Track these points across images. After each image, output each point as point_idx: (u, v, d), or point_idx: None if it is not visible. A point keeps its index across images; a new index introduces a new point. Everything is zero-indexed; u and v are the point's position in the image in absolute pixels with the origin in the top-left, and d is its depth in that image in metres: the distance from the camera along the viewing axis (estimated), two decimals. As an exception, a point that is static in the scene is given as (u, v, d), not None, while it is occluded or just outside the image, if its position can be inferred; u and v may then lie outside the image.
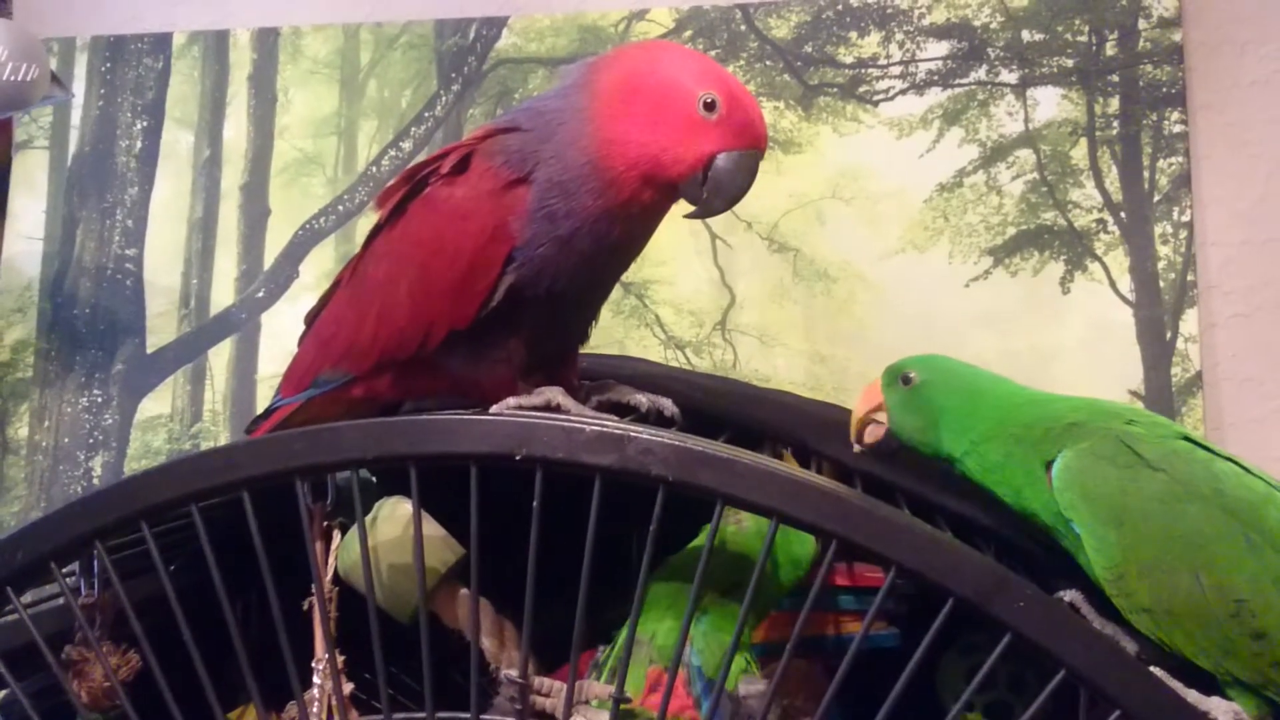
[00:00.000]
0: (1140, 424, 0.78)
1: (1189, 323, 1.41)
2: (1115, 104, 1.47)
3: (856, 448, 0.91)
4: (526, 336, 0.82)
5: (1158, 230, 1.44)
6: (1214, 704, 0.70)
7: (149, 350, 1.63)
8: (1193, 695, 0.69)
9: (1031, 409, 0.83)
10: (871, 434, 0.90)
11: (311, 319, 0.95)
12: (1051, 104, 1.49)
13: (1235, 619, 0.69)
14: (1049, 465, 0.78)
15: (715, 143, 0.74)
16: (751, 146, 0.75)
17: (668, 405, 0.85)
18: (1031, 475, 0.79)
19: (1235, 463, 0.76)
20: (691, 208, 0.79)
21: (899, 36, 1.53)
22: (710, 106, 0.73)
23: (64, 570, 0.78)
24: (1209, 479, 0.74)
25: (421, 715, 0.74)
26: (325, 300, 0.93)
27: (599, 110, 0.76)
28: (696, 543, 0.89)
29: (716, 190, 0.76)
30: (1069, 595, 0.79)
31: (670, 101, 0.74)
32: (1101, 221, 1.46)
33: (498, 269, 0.78)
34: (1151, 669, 0.66)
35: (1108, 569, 0.73)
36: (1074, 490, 0.75)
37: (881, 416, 0.89)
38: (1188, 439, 0.78)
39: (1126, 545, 0.72)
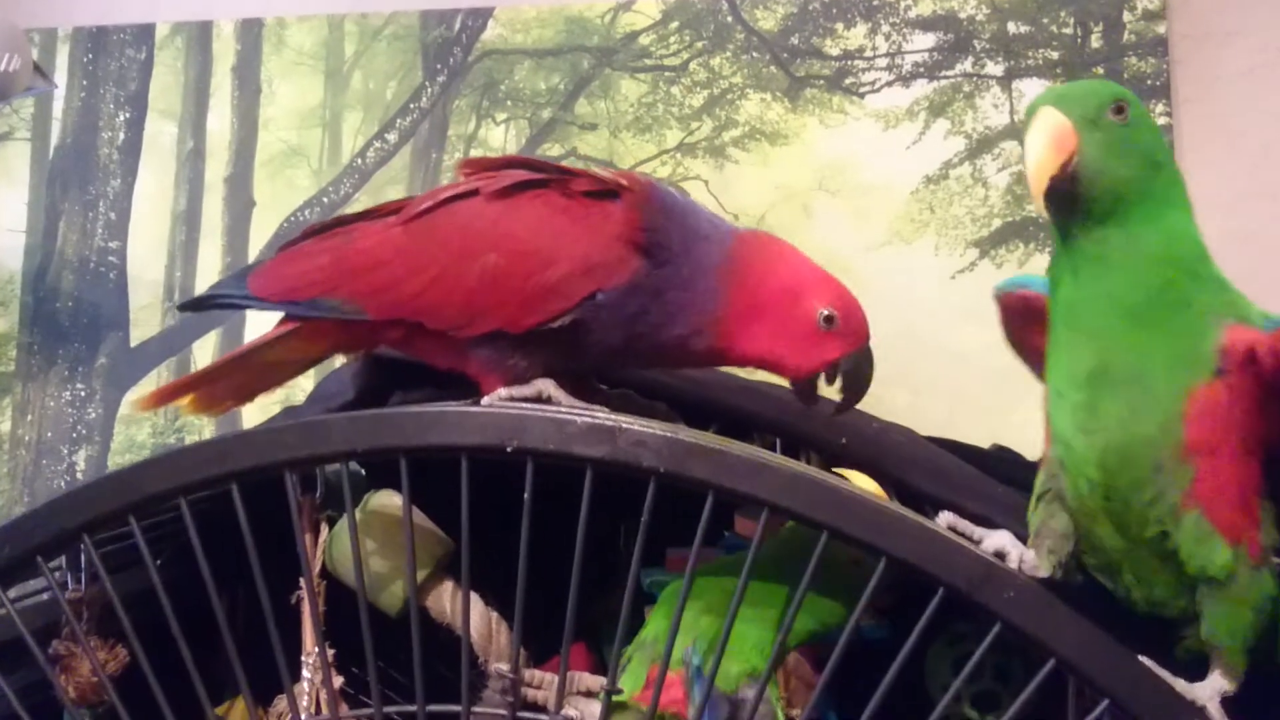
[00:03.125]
0: None
1: (1173, 314, 1.42)
2: (1100, 96, 1.48)
3: (1039, 199, 0.69)
4: (557, 358, 0.81)
5: (1142, 222, 1.45)
6: (1200, 691, 0.71)
7: (133, 343, 1.62)
8: (1180, 684, 0.69)
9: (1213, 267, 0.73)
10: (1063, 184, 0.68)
11: (315, 231, 0.89)
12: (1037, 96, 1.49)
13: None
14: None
15: (836, 350, 0.82)
16: (865, 343, 0.83)
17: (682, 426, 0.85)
18: (1184, 315, 0.69)
19: None
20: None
21: (885, 28, 1.53)
22: (829, 321, 0.81)
23: (51, 565, 0.78)
24: None
25: (411, 708, 0.74)
26: (342, 222, 0.88)
27: (730, 306, 0.81)
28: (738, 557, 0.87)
29: (851, 388, 0.84)
30: (942, 516, 0.76)
31: (794, 318, 0.81)
32: (1086, 213, 1.46)
33: (577, 300, 0.78)
34: (1140, 658, 0.66)
35: None
36: None
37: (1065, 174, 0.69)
38: None
39: None
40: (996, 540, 0.72)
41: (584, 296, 0.78)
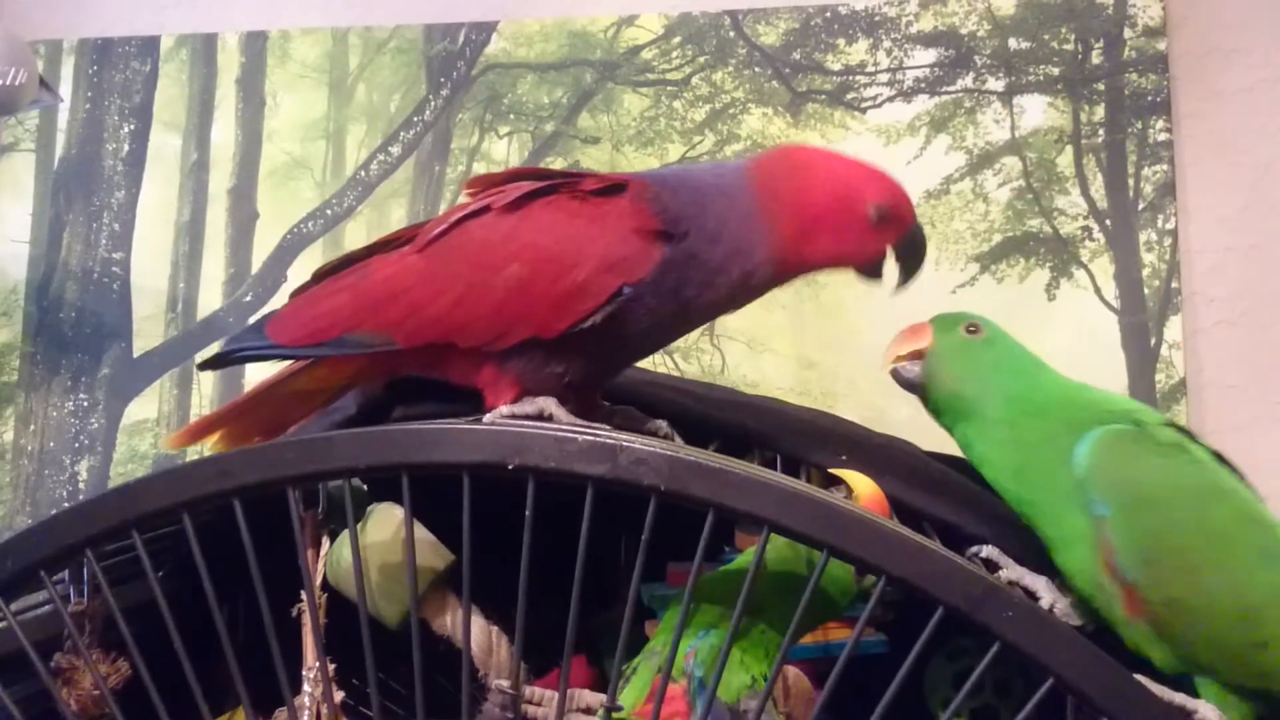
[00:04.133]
0: (1171, 427, 0.79)
1: (1173, 329, 1.42)
2: (1101, 112, 1.49)
3: (888, 366, 0.88)
4: (591, 358, 0.83)
5: (1142, 237, 1.45)
6: (1202, 704, 0.71)
7: (135, 354, 1.63)
8: (1180, 697, 0.70)
9: (1077, 392, 0.83)
10: (908, 369, 0.86)
11: (326, 273, 0.90)
12: (1038, 112, 1.50)
13: (1243, 623, 0.70)
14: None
15: (892, 236, 0.85)
16: (915, 222, 0.86)
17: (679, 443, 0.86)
18: (1061, 455, 0.77)
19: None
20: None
21: (887, 44, 1.54)
22: (882, 215, 0.83)
23: (53, 578, 0.78)
24: (1234, 485, 0.75)
25: (412, 722, 0.74)
26: (351, 261, 0.89)
27: (777, 227, 0.83)
28: (737, 564, 0.88)
29: (909, 264, 0.87)
30: (986, 550, 0.82)
31: (847, 217, 0.83)
32: (1087, 229, 1.47)
33: (605, 297, 0.79)
34: (1137, 676, 0.67)
35: (1134, 550, 0.73)
36: (1110, 467, 0.75)
37: (916, 360, 0.86)
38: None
39: (1158, 530, 0.73)
40: (1032, 584, 0.78)
41: (611, 292, 0.79)
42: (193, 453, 1.55)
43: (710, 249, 0.82)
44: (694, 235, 0.81)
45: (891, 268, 0.88)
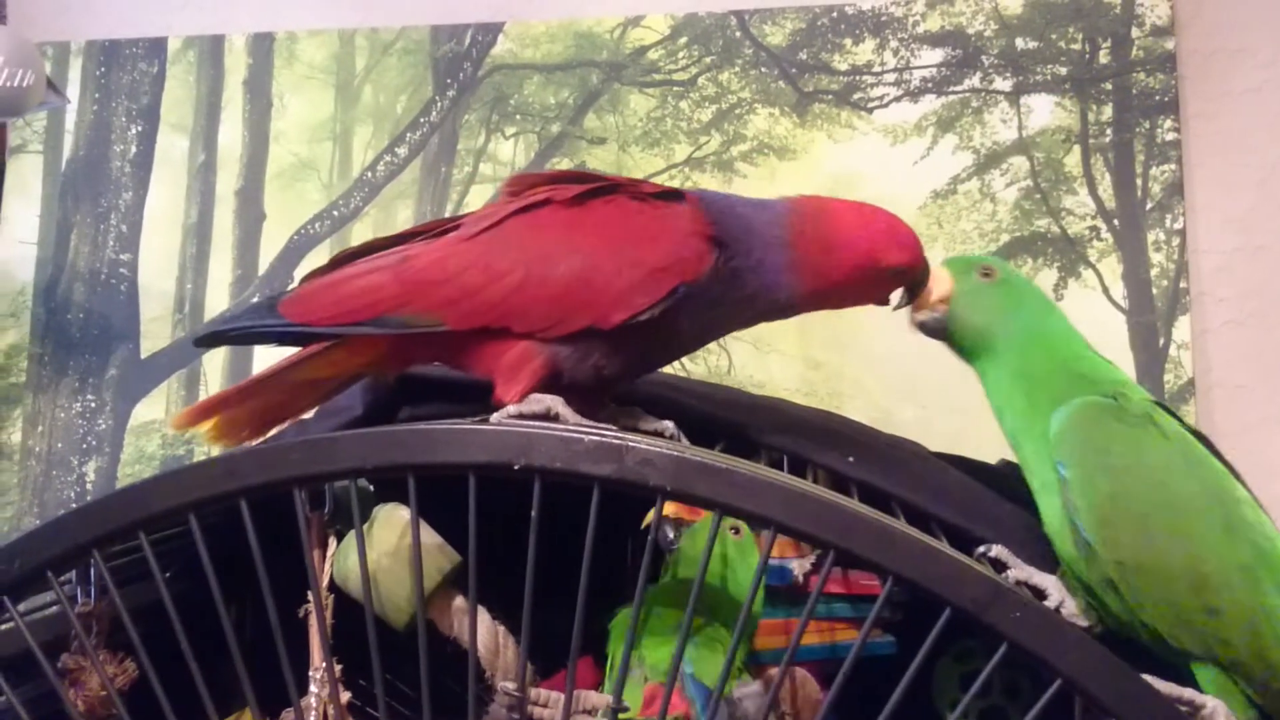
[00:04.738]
0: (1150, 401, 0.82)
1: (1181, 330, 1.42)
2: (1108, 111, 1.48)
3: (916, 318, 0.92)
4: (632, 355, 0.85)
5: (1150, 237, 1.45)
6: (1211, 697, 0.71)
7: (143, 355, 1.63)
8: (1188, 692, 0.70)
9: (1074, 359, 0.86)
10: (931, 317, 0.90)
11: (348, 258, 0.90)
12: (1045, 111, 1.50)
13: (1196, 590, 0.73)
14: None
15: (902, 283, 0.90)
16: (924, 265, 0.91)
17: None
18: (1045, 411, 0.82)
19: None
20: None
21: (893, 44, 1.54)
22: (899, 274, 0.89)
23: (60, 579, 0.78)
24: (1203, 462, 0.78)
25: (418, 724, 0.74)
26: (374, 247, 0.89)
27: (803, 267, 0.87)
28: (679, 573, 0.91)
29: (914, 292, 0.91)
30: (994, 550, 0.83)
31: (869, 277, 0.88)
32: (1095, 229, 1.46)
33: (664, 293, 0.82)
34: (1145, 677, 0.66)
35: (1090, 512, 0.76)
36: (1074, 433, 0.79)
37: (940, 305, 0.90)
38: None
39: (1115, 494, 0.76)
40: (1041, 584, 0.80)
41: (669, 289, 0.82)
42: (199, 453, 1.56)
43: (749, 275, 0.86)
44: (740, 257, 0.85)
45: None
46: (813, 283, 0.87)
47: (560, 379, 0.83)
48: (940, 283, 0.90)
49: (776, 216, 0.87)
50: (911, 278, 0.90)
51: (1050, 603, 0.78)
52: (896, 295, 0.92)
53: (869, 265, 0.87)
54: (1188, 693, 0.70)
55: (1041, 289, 0.92)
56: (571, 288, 0.82)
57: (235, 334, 0.90)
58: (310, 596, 0.83)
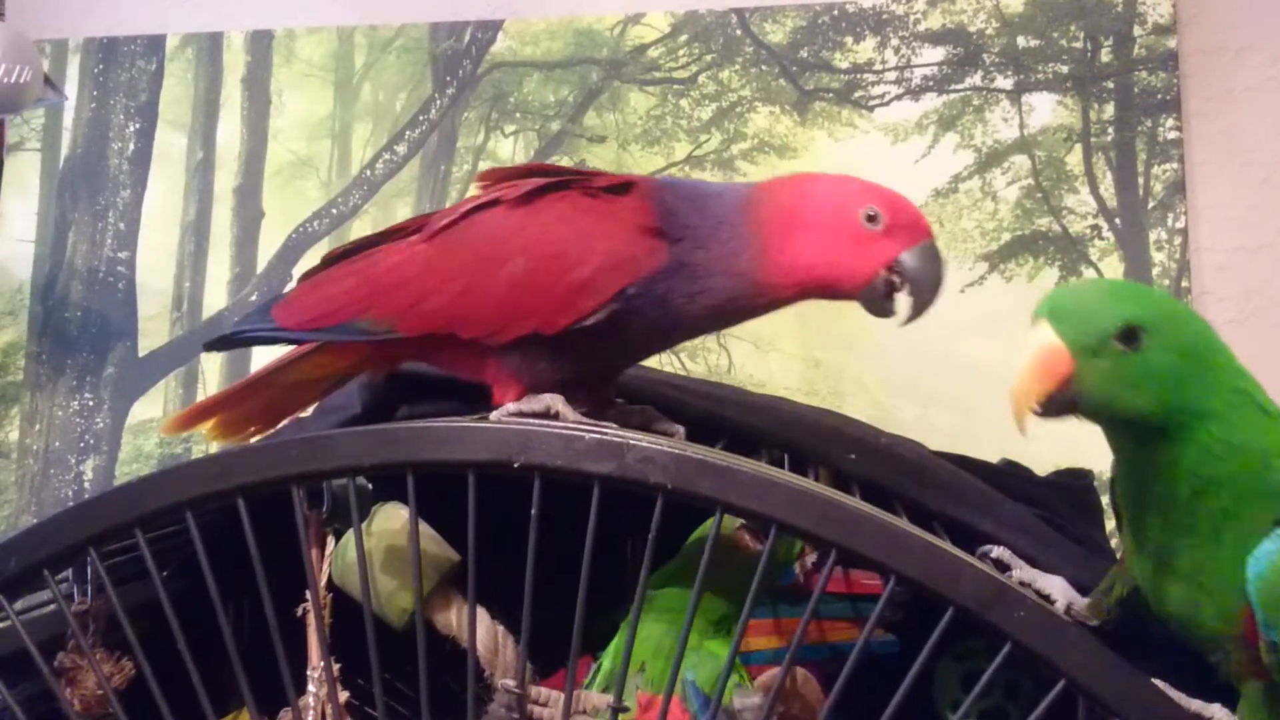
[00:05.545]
0: None
1: (1183, 329, 1.41)
2: (1110, 110, 1.48)
3: (1025, 416, 0.64)
4: (586, 358, 0.82)
5: (1152, 236, 1.44)
6: (1216, 709, 0.70)
7: (141, 354, 1.62)
8: (1196, 703, 0.69)
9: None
10: (1052, 410, 0.64)
11: (337, 258, 0.90)
12: (1047, 110, 1.49)
13: None
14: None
15: (892, 249, 0.78)
16: (925, 238, 0.79)
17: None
18: (1238, 532, 0.65)
19: None
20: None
21: (894, 42, 1.53)
22: (873, 219, 0.78)
23: (57, 577, 0.78)
24: None
25: (417, 723, 0.74)
26: (361, 247, 0.88)
27: (765, 236, 0.80)
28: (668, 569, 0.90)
29: (917, 286, 0.79)
30: (996, 551, 0.78)
31: (834, 223, 0.79)
32: (1096, 228, 1.46)
33: (609, 295, 0.79)
34: (1151, 679, 0.66)
35: None
36: None
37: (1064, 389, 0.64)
38: None
39: None
40: (1046, 586, 0.74)
41: (616, 291, 0.79)
42: (198, 450, 1.55)
43: (702, 253, 0.80)
44: (687, 240, 0.80)
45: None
46: (773, 249, 0.79)
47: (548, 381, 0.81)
48: (1052, 364, 0.63)
49: (739, 192, 0.83)
50: (901, 241, 0.78)
51: (1058, 606, 0.73)
52: (902, 307, 0.80)
53: (837, 216, 0.78)
54: (1195, 704, 0.69)
55: (1220, 339, 0.67)
56: (513, 294, 0.80)
57: (238, 338, 0.91)
58: (308, 595, 0.82)
